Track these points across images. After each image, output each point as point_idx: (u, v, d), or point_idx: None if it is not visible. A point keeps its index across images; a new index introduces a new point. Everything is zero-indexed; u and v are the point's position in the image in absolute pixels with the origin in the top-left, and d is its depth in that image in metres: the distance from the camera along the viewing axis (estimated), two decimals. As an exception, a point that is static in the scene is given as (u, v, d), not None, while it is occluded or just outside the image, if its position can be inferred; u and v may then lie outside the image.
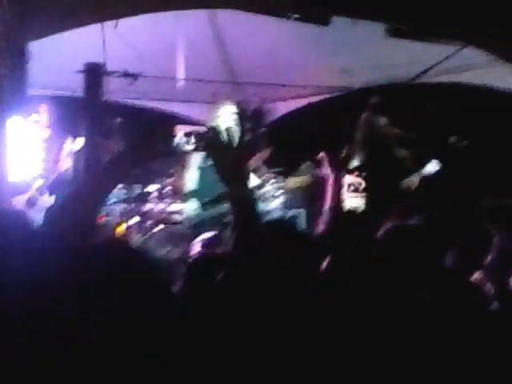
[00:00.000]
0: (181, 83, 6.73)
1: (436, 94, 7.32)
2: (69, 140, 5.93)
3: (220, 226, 6.64)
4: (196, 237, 6.67)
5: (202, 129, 2.56)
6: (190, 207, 6.61)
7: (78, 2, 4.57)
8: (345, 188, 3.70)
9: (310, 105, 8.60)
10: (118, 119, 6.13)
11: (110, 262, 2.13)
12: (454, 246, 3.09)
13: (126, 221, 6.65)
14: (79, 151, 5.53)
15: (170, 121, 6.84)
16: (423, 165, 6.63)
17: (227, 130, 2.35)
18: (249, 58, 7.56)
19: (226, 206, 6.65)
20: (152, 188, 6.85)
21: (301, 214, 7.79)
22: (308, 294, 2.39)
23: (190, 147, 2.48)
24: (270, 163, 7.44)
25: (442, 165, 6.56)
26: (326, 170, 3.25)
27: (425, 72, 6.77)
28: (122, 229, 6.55)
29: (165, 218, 6.90)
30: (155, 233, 6.65)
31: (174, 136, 2.53)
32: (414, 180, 6.67)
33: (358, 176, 3.96)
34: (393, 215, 3.81)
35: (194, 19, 6.38)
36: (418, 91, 7.43)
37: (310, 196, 7.96)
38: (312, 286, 2.46)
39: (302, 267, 2.41)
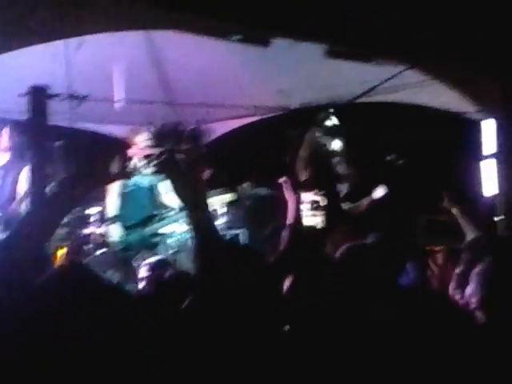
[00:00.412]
0: (117, 104, 6.64)
1: (372, 113, 7.45)
2: (26, 169, 5.78)
3: (149, 247, 6.65)
4: (133, 260, 6.65)
5: (157, 151, 2.53)
6: (116, 232, 6.60)
7: (17, 23, 4.48)
8: (307, 206, 3.77)
9: (248, 125, 8.63)
10: (58, 142, 6.00)
11: (69, 289, 2.08)
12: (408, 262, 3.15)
13: (67, 245, 6.51)
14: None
15: (117, 143, 6.72)
16: (366, 182, 6.75)
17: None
18: (186, 79, 7.53)
19: (152, 229, 6.68)
20: (93, 211, 6.73)
21: (243, 233, 7.81)
22: (269, 309, 2.38)
23: (149, 170, 2.46)
24: (209, 184, 7.42)
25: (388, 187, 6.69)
26: (289, 193, 3.29)
27: (365, 93, 6.89)
28: (62, 253, 6.39)
29: (106, 242, 6.78)
30: (97, 257, 6.53)
31: (129, 159, 2.49)
32: (363, 203, 6.81)
33: (318, 194, 4.01)
34: (344, 235, 3.86)
35: (131, 39, 6.32)
36: (355, 111, 7.54)
37: (252, 216, 8.00)
38: (273, 301, 2.46)
39: (264, 284, 2.41)
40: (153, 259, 4.69)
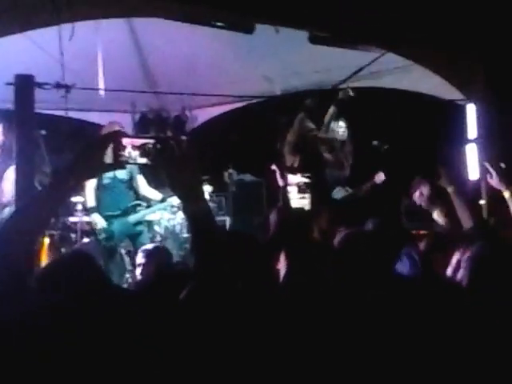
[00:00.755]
0: (100, 92, 6.60)
1: (359, 98, 7.45)
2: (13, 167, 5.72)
3: (132, 236, 6.65)
4: (118, 248, 6.65)
5: (150, 141, 2.50)
6: (99, 221, 6.59)
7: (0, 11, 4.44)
8: (295, 188, 3.76)
9: (231, 111, 8.62)
10: (42, 131, 5.95)
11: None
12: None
13: (50, 234, 6.46)
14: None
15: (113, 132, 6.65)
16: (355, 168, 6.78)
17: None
18: (169, 66, 7.51)
19: (134, 217, 6.67)
20: (76, 200, 6.69)
21: (226, 221, 7.85)
22: (268, 298, 2.38)
23: (142, 160, 2.43)
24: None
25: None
26: (278, 178, 3.31)
27: (347, 78, 6.90)
28: (45, 242, 6.35)
29: (90, 231, 6.77)
30: (82, 245, 6.52)
31: (122, 148, 2.47)
32: (364, 188, 6.85)
33: (303, 176, 4.00)
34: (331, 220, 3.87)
35: (113, 27, 6.28)
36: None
37: (235, 204, 8.02)
38: (267, 286, 2.46)
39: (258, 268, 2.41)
40: (150, 246, 4.70)
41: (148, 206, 6.88)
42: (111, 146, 2.44)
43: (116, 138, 2.45)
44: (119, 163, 2.44)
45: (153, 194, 6.90)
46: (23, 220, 2.23)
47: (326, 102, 7.09)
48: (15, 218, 2.29)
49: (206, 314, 2.05)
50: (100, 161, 2.31)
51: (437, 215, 3.75)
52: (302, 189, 4.32)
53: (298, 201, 3.89)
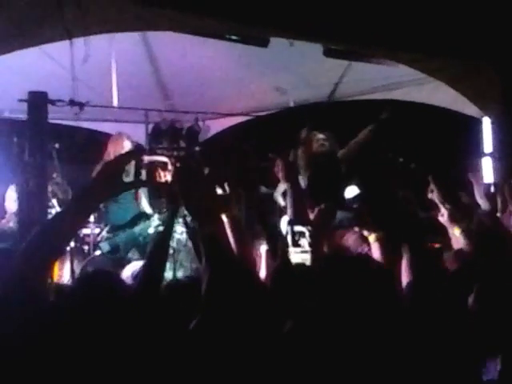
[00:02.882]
0: (114, 103, 6.61)
1: (370, 111, 7.42)
2: (12, 187, 5.69)
3: (139, 247, 6.60)
4: (128, 259, 6.58)
5: (172, 160, 2.44)
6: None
7: (16, 25, 4.44)
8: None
9: (244, 123, 8.59)
10: (56, 144, 5.96)
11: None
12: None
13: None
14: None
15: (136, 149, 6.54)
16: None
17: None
18: (182, 78, 7.52)
19: (141, 228, 6.61)
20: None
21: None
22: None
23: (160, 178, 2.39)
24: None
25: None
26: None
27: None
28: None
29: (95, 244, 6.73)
30: (93, 258, 6.48)
31: (142, 166, 2.43)
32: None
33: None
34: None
35: (127, 39, 6.29)
36: (353, 109, 7.53)
37: (248, 215, 7.95)
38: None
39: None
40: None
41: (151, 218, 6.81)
42: (133, 164, 2.40)
43: (137, 156, 2.42)
44: (140, 181, 2.42)
45: (148, 209, 6.89)
46: (42, 240, 2.19)
47: (326, 116, 7.08)
48: (35, 238, 2.26)
49: (216, 346, 1.97)
50: (120, 179, 2.26)
51: (458, 234, 3.66)
52: (298, 240, 4.10)
53: (299, 255, 3.71)
